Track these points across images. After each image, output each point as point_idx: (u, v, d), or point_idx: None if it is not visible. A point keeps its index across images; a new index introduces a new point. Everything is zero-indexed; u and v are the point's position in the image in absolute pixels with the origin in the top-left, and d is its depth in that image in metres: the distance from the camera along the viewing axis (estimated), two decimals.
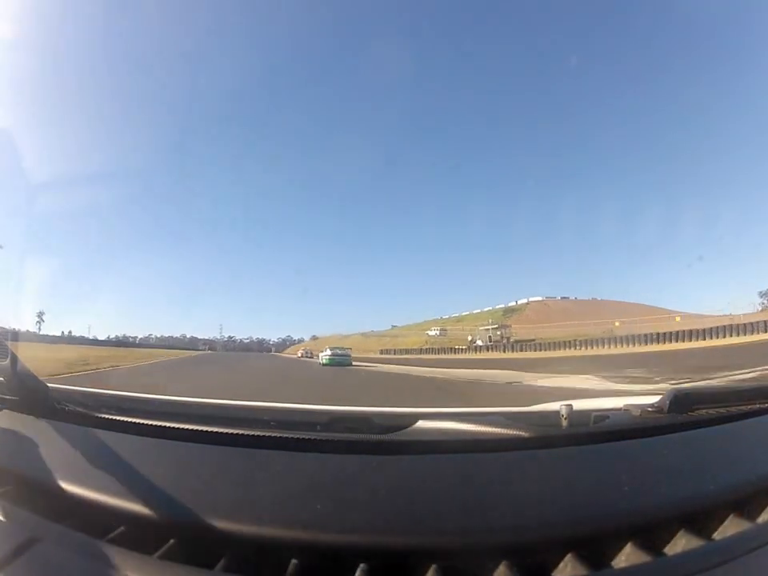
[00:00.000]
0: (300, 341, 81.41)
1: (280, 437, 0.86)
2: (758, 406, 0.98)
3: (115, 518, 0.69)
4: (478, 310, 58.18)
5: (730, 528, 0.64)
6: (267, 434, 0.87)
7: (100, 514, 0.70)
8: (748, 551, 0.59)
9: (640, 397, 1.07)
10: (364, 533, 0.62)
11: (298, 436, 0.87)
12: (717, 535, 0.63)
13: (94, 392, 1.35)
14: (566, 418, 0.87)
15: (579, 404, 0.97)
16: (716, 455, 0.85)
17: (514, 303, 48.50)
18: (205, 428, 0.90)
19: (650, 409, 0.90)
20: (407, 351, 41.97)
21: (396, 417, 1.09)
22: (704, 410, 0.93)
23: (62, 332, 58.42)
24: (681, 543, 0.61)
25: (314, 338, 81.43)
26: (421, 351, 38.84)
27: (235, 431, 0.88)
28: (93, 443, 0.92)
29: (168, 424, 0.92)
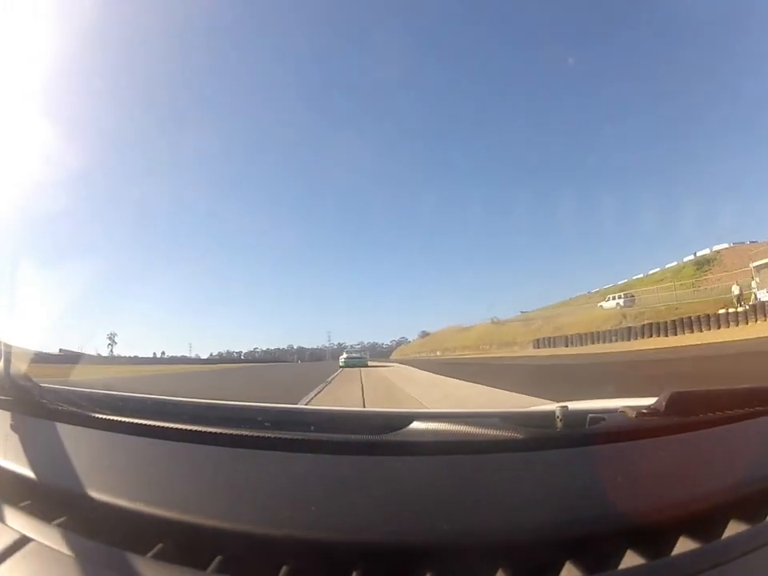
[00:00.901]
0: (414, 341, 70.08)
1: (274, 437, 0.86)
2: (755, 408, 0.95)
3: (108, 517, 0.68)
4: (641, 275, 42.85)
5: (728, 530, 0.64)
6: (261, 435, 0.86)
7: (93, 514, 0.69)
8: (745, 552, 0.59)
9: (636, 399, 1.03)
10: (358, 534, 0.62)
11: (291, 436, 0.86)
12: (714, 537, 0.62)
13: (88, 392, 1.28)
14: (561, 420, 0.86)
15: (574, 405, 0.96)
16: (712, 457, 0.84)
17: (692, 256, 38.90)
18: (199, 428, 0.89)
19: (645, 411, 0.88)
20: (591, 337, 25.92)
21: (390, 417, 1.05)
22: (701, 413, 0.92)
23: (154, 353, 54.12)
24: (677, 545, 0.60)
25: (424, 333, 67.83)
26: (630, 333, 22.76)
27: (229, 431, 0.87)
28: (86, 443, 0.93)
29: (162, 424, 0.91)
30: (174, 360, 45.79)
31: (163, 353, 57.31)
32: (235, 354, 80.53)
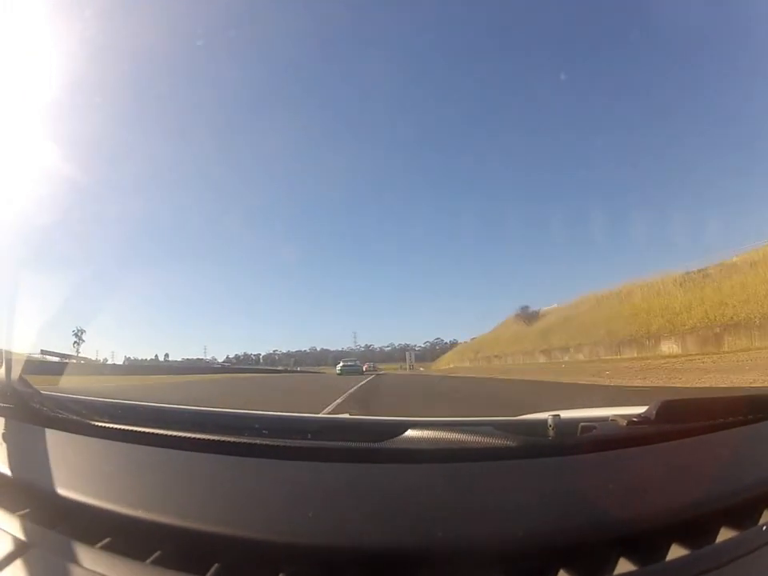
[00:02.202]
0: (453, 343, 60.54)
1: (272, 445, 0.87)
2: (745, 416, 0.97)
3: (108, 524, 0.69)
4: None
5: (719, 536, 0.64)
6: (259, 442, 0.88)
7: (93, 521, 0.70)
8: (735, 558, 0.61)
9: (627, 407, 1.05)
10: (354, 540, 0.62)
11: (289, 444, 0.87)
12: (705, 543, 0.63)
13: (88, 400, 1.30)
14: (553, 428, 0.87)
15: (567, 414, 0.97)
16: (703, 464, 0.85)
17: None
18: (198, 435, 0.90)
19: (636, 419, 0.90)
20: None
21: (386, 425, 1.08)
22: (691, 421, 0.93)
23: (156, 355, 52.44)
24: (670, 552, 0.61)
25: (528, 312, 29.96)
26: None
27: (228, 439, 0.88)
28: (86, 450, 0.94)
29: (161, 432, 0.92)
30: (180, 366, 44.84)
31: (167, 355, 54.80)
32: (253, 357, 78.93)
